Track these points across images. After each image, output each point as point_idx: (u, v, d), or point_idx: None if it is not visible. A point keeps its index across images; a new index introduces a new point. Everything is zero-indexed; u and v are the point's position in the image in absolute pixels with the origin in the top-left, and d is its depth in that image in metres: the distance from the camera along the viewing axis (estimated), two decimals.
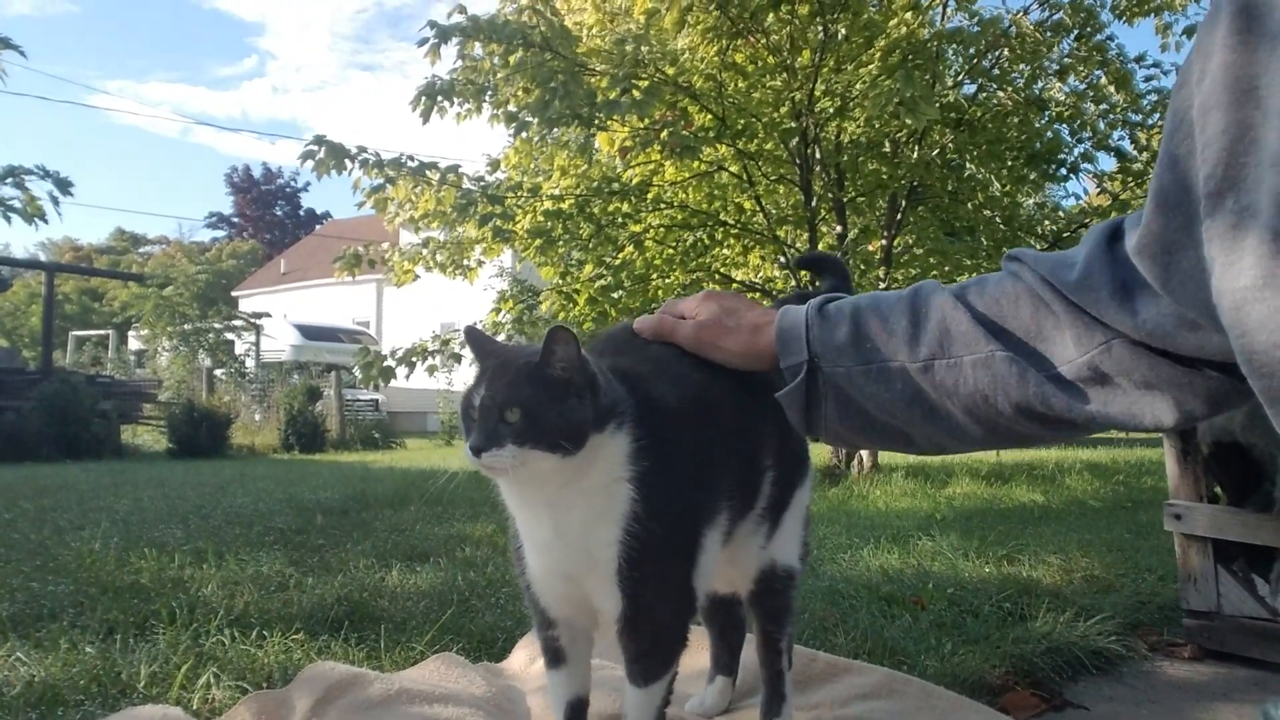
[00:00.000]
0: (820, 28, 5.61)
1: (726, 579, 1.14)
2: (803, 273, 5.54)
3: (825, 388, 0.86)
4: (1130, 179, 6.25)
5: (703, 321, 0.96)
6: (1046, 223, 7.11)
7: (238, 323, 17.01)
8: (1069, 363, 0.74)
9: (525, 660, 1.51)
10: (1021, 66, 6.09)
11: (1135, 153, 6.30)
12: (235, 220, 44.57)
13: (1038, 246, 6.41)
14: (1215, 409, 0.72)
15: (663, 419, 0.91)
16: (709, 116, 5.77)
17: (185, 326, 15.61)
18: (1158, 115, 6.12)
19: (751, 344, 0.93)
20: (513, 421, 0.82)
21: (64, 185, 5.40)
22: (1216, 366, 0.67)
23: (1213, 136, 0.56)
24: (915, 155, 6.03)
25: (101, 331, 21.60)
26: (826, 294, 0.93)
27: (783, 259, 6.64)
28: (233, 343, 16.39)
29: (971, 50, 5.86)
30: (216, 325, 16.22)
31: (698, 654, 1.30)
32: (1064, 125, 6.33)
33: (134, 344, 19.70)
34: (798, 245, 6.62)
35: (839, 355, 0.85)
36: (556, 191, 6.03)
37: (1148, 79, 6.29)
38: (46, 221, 5.03)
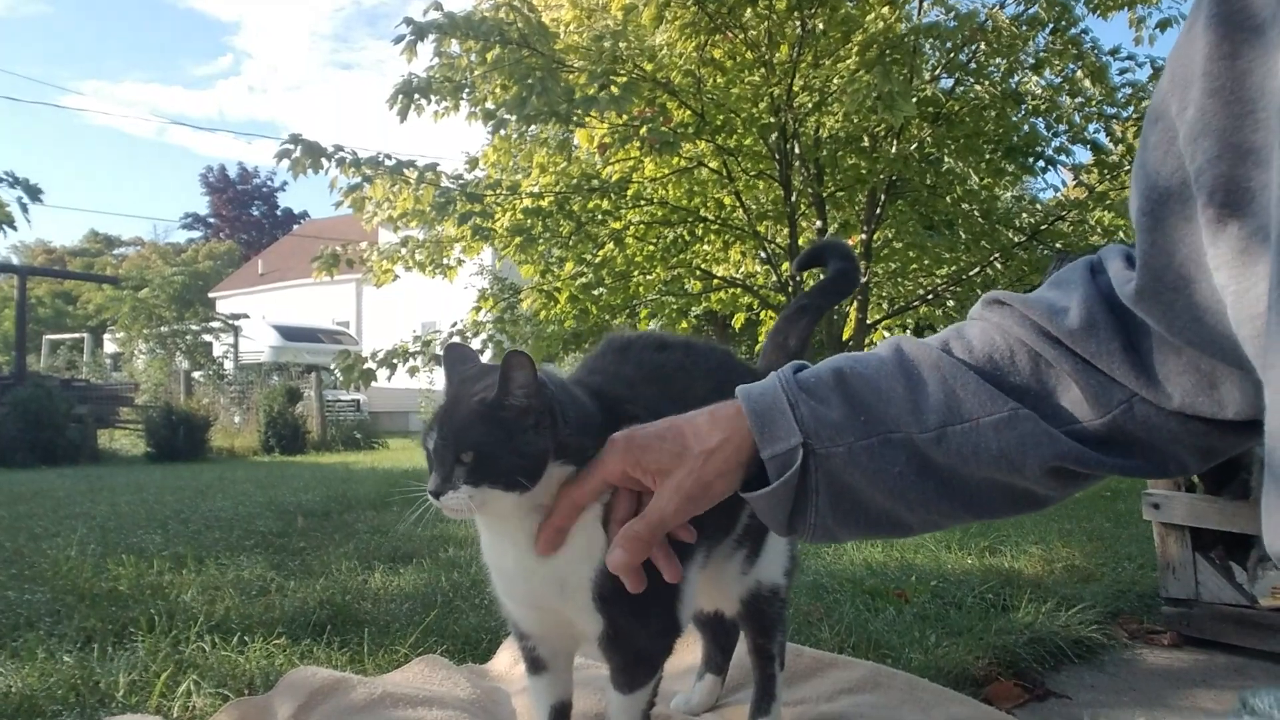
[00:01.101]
0: (798, 23, 5.62)
1: (710, 599, 1.13)
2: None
3: (818, 476, 0.71)
4: (1106, 171, 6.32)
5: (670, 479, 0.75)
6: (1024, 215, 7.17)
7: (215, 324, 16.88)
8: (1088, 421, 0.68)
9: (510, 661, 1.50)
10: (998, 60, 6.13)
11: (1111, 145, 6.36)
12: (211, 221, 44.15)
13: (1016, 239, 6.48)
14: (1239, 445, 0.68)
15: None
16: (688, 112, 5.77)
17: (162, 329, 15.48)
18: (1132, 108, 6.18)
19: (729, 453, 0.74)
20: (467, 462, 0.81)
21: (34, 192, 5.31)
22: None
23: (1205, 164, 0.53)
24: (894, 150, 6.05)
25: (76, 335, 21.32)
26: (793, 362, 0.78)
27: (763, 254, 6.65)
28: (210, 345, 16.26)
29: (948, 44, 5.88)
30: (194, 327, 16.09)
31: (687, 651, 1.30)
32: (1040, 118, 6.38)
33: (109, 347, 19.50)
34: (778, 240, 6.64)
35: (836, 433, 0.71)
36: (536, 189, 6.00)
37: (1122, 72, 6.34)
38: (15, 229, 4.98)
